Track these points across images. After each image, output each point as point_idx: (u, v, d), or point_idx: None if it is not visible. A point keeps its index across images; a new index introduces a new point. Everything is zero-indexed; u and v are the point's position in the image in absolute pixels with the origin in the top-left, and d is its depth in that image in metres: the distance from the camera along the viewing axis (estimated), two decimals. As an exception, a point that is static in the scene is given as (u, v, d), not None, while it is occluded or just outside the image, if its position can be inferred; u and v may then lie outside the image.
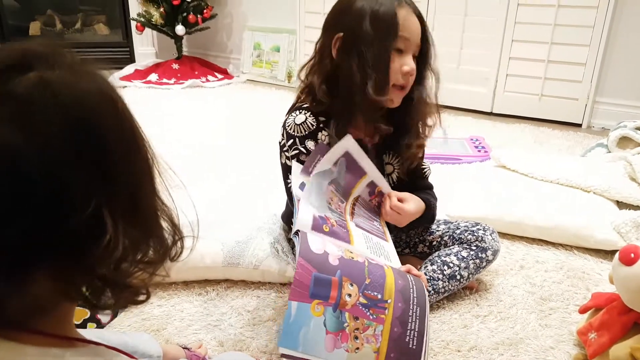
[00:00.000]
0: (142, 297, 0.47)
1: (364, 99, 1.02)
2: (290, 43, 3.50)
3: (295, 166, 1.06)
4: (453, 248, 1.20)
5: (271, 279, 1.26)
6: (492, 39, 2.70)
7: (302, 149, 1.07)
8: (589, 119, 2.63)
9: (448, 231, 1.23)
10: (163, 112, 2.86)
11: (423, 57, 1.09)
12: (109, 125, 0.41)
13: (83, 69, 0.42)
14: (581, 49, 2.52)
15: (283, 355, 0.74)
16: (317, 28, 1.13)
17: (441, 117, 1.15)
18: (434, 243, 1.24)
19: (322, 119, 1.08)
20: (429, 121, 1.14)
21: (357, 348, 0.80)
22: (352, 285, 0.84)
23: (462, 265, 1.16)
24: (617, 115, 2.43)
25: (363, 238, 1.01)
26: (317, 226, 0.94)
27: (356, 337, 0.80)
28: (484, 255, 1.18)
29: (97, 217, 0.39)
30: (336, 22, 1.06)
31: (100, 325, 1.06)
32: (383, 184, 1.12)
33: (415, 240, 1.27)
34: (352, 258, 0.90)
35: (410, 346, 0.83)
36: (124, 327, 1.10)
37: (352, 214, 1.07)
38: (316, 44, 1.10)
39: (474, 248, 1.18)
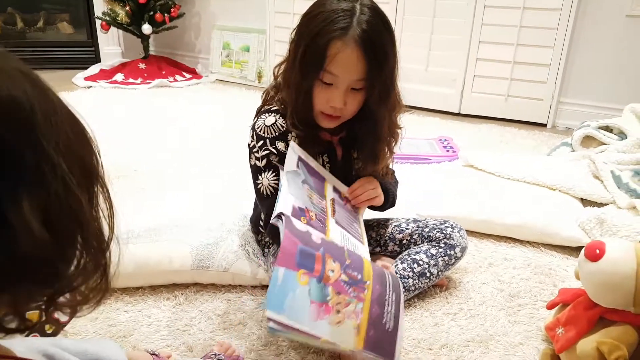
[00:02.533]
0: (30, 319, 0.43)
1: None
2: (260, 43, 3.48)
3: (291, 150, 1.06)
4: (422, 246, 1.21)
5: (242, 282, 1.24)
6: (459, 41, 2.74)
7: (273, 150, 1.07)
8: (554, 119, 2.70)
9: (417, 229, 1.24)
10: (129, 113, 2.79)
11: (369, 94, 1.02)
12: (10, 129, 0.39)
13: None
14: (545, 51, 2.58)
15: (269, 319, 0.73)
16: (287, 28, 1.12)
17: (397, 145, 1.15)
18: (404, 241, 1.25)
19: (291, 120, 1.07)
20: (381, 155, 1.12)
21: (339, 322, 0.80)
22: (334, 262, 0.86)
23: (432, 262, 1.17)
24: (581, 115, 2.50)
25: (340, 235, 1.02)
26: (295, 216, 0.93)
27: (338, 311, 0.81)
28: (452, 253, 1.19)
29: None
30: (296, 29, 1.04)
31: (59, 325, 1.01)
32: (342, 188, 1.15)
33: (385, 238, 1.27)
34: (332, 242, 0.93)
35: (387, 328, 0.85)
36: (88, 334, 1.07)
37: (334, 212, 1.07)
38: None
39: (442, 245, 1.19)
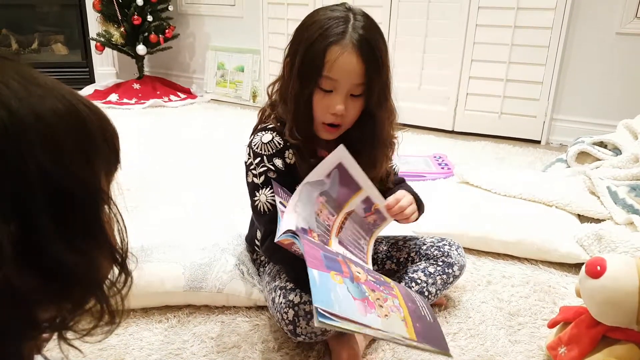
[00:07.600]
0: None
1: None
2: (255, 63, 3.49)
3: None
4: (420, 264, 1.18)
5: (236, 303, 1.21)
6: (452, 59, 2.75)
7: (270, 166, 1.06)
8: (548, 135, 2.70)
9: (415, 247, 1.22)
10: (122, 133, 2.77)
11: (369, 97, 1.01)
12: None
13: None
14: (538, 68, 2.59)
15: (320, 314, 0.68)
16: (280, 49, 1.11)
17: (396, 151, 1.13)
18: (401, 259, 1.23)
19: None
20: (380, 160, 1.11)
21: (386, 315, 0.78)
22: (356, 266, 0.85)
23: (430, 281, 1.15)
24: (574, 132, 2.50)
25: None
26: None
27: (381, 306, 0.79)
28: (450, 271, 1.17)
29: None
30: (289, 44, 1.04)
31: None
32: (380, 201, 1.09)
33: (382, 257, 1.25)
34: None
35: (428, 320, 0.85)
36: (78, 359, 1.03)
37: (341, 228, 1.04)
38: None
39: (440, 264, 1.17)
